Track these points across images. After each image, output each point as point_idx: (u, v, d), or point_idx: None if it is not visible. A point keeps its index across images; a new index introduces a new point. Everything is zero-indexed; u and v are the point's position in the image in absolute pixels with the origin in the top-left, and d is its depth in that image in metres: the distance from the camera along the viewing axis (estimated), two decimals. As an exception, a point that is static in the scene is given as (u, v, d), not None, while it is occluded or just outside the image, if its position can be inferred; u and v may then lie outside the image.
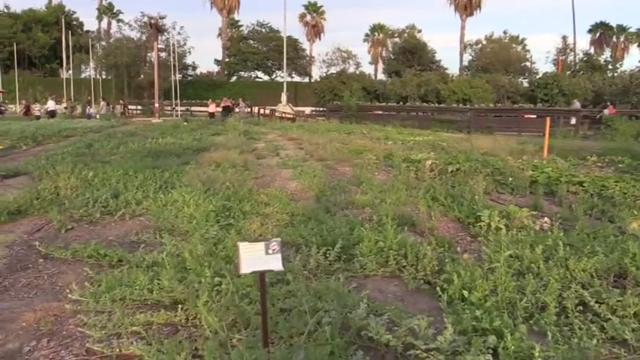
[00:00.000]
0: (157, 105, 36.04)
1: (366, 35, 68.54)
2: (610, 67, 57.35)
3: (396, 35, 66.08)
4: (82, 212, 6.85)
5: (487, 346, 3.04)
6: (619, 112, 28.93)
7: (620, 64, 60.63)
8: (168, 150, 14.30)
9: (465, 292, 3.82)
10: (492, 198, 8.22)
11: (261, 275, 2.79)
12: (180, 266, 4.41)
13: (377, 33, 67.77)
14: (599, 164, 12.77)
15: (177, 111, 41.25)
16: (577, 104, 34.08)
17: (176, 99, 41.32)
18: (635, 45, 67.23)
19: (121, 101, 43.23)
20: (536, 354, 2.88)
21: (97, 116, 37.72)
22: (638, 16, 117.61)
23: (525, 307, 3.67)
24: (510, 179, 9.32)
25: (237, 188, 8.10)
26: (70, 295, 4.06)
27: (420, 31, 64.32)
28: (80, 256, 5.08)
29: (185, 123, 28.39)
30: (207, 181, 8.68)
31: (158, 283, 4.04)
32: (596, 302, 3.73)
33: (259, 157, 13.57)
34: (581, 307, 3.70)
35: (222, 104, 37.69)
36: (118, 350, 3.25)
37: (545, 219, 6.27)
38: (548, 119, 14.26)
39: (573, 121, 29.08)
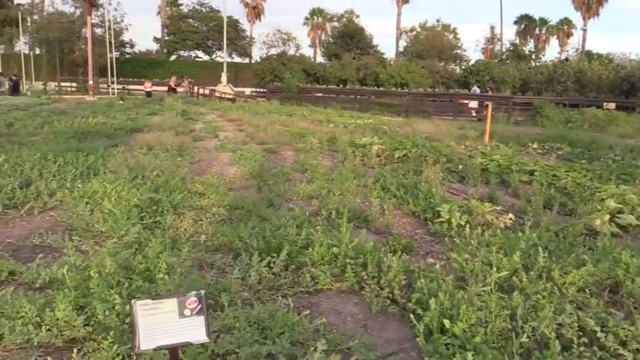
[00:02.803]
0: (91, 82, 33.53)
1: (306, 19, 66.82)
2: (533, 57, 58.54)
3: (335, 19, 64.68)
4: (-22, 206, 5.54)
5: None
6: (548, 99, 29.10)
7: (543, 55, 62.09)
8: (98, 130, 12.75)
9: (446, 322, 2.94)
10: (445, 188, 7.45)
11: (172, 352, 1.79)
12: (84, 286, 3.31)
13: (316, 17, 66.22)
14: (540, 151, 12.36)
15: (113, 89, 38.63)
16: (476, 89, 34.76)
17: (112, 77, 38.64)
18: (555, 37, 69.00)
19: (14, 76, 37.99)
20: None
21: (28, 92, 34.79)
22: (558, 11, 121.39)
23: (522, 342, 2.83)
24: (460, 167, 8.60)
25: (169, 176, 6.94)
26: None
27: (358, 17, 63.25)
28: (-39, 267, 3.87)
29: (121, 101, 26.36)
30: (135, 167, 7.45)
31: (51, 314, 2.94)
32: (601, 330, 2.95)
33: (196, 140, 12.31)
34: (585, 339, 2.90)
35: (173, 83, 35.42)
36: None
37: (510, 215, 5.52)
38: (489, 105, 13.73)
39: (473, 104, 29.50)
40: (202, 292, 1.84)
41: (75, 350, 2.64)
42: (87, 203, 5.56)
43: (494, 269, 3.28)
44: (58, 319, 2.88)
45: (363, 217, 5.64)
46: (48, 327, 2.87)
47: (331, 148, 11.37)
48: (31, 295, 3.25)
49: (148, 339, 1.75)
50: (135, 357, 2.43)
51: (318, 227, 4.59)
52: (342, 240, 4.23)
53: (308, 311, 3.20)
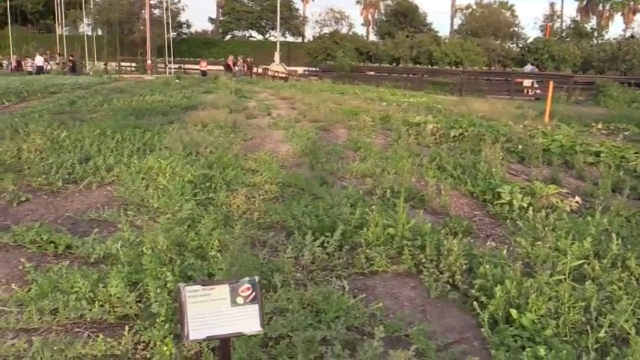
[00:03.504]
0: (149, 62, 34.19)
1: (359, -3, 65.84)
2: (595, 34, 55.54)
3: (388, -3, 63.48)
4: (41, 180, 5.61)
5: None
6: (612, 78, 27.59)
7: (606, 32, 58.81)
8: (154, 108, 12.90)
9: (513, 312, 2.70)
10: (504, 169, 7.07)
11: (223, 343, 1.64)
12: (137, 262, 3.24)
13: (369, -5, 65.11)
14: (604, 131, 11.64)
15: (170, 68, 39.28)
16: (532, 68, 34.19)
17: (169, 56, 39.27)
18: (619, 14, 65.15)
19: (71, 57, 38.71)
20: None
21: (91, 72, 35.87)
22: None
23: (598, 337, 2.56)
24: (520, 147, 8.17)
25: (222, 153, 6.87)
26: (-14, 303, 2.91)
27: (412, -6, 61.74)
28: (22, 240, 3.89)
29: (177, 80, 26.71)
30: (189, 143, 7.43)
31: (104, 290, 2.88)
32: (688, 327, 2.64)
33: (250, 117, 12.26)
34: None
35: (231, 62, 35.66)
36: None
37: (577, 198, 5.14)
38: (551, 83, 13.02)
39: (527, 82, 28.75)
40: (256, 278, 1.66)
41: (127, 328, 2.57)
42: (142, 179, 5.55)
43: (568, 256, 3.00)
44: (110, 295, 2.83)
45: (418, 197, 5.40)
46: (101, 303, 2.82)
47: (384, 126, 11.09)
48: (86, 269, 3.22)
49: (197, 328, 1.60)
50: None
51: (372, 206, 4.38)
52: (399, 220, 4.01)
53: (364, 294, 3.03)
